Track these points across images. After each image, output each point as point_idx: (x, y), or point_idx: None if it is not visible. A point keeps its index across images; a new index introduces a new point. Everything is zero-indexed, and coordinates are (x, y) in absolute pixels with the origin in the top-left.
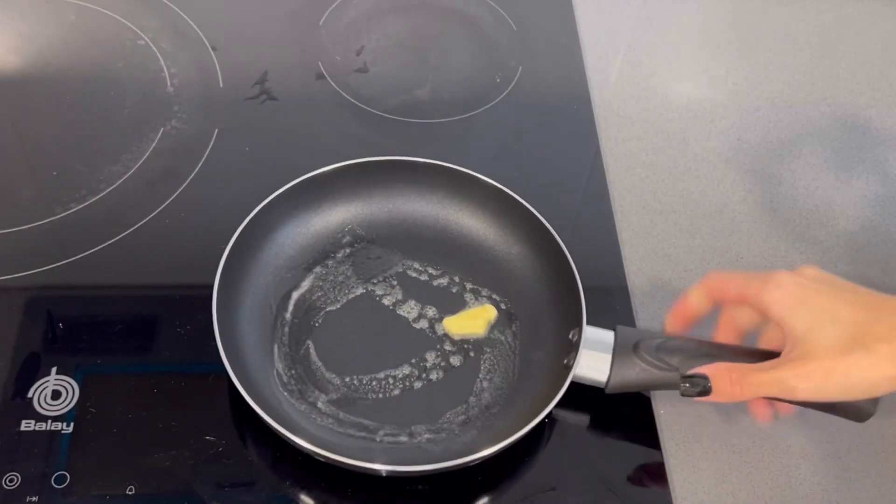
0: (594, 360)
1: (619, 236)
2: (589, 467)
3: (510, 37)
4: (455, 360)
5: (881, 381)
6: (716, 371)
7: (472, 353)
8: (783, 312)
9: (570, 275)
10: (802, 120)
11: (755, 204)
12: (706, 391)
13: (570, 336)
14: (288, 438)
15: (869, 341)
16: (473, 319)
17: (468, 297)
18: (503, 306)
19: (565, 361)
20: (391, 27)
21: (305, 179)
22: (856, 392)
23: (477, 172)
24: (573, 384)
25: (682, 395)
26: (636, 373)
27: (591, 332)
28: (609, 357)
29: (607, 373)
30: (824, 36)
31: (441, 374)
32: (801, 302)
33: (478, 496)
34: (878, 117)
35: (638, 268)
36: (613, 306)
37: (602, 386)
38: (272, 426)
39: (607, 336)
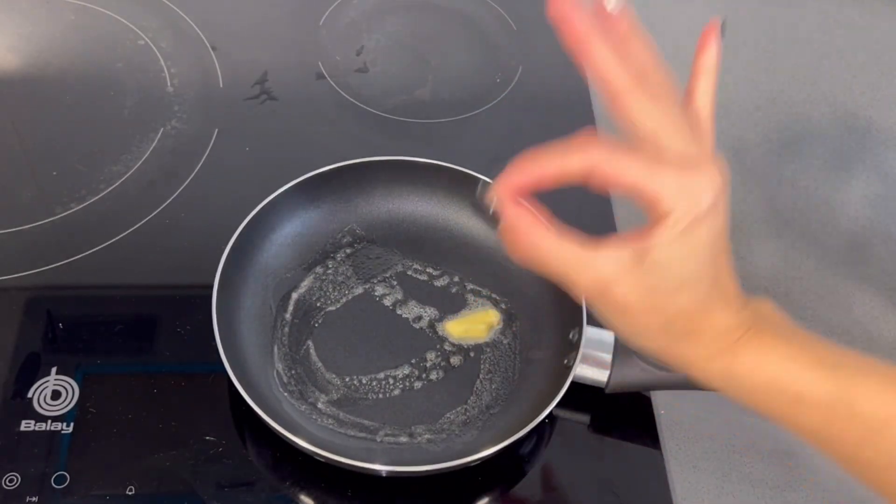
0: (594, 360)
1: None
2: (589, 467)
3: (510, 37)
4: (455, 361)
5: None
6: (515, 218)
7: (472, 354)
8: (671, 232)
9: None
10: (802, 120)
11: (755, 204)
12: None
13: (571, 336)
14: (288, 439)
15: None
16: (475, 324)
17: (468, 297)
18: (503, 306)
19: (565, 361)
20: (391, 27)
21: (305, 179)
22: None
23: (477, 172)
24: (573, 384)
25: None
26: (636, 373)
27: (591, 332)
28: (609, 357)
29: (607, 373)
30: (824, 36)
31: (441, 374)
32: (698, 242)
33: (478, 496)
34: (878, 117)
35: None
36: None
37: (602, 386)
38: (272, 426)
39: (607, 336)
